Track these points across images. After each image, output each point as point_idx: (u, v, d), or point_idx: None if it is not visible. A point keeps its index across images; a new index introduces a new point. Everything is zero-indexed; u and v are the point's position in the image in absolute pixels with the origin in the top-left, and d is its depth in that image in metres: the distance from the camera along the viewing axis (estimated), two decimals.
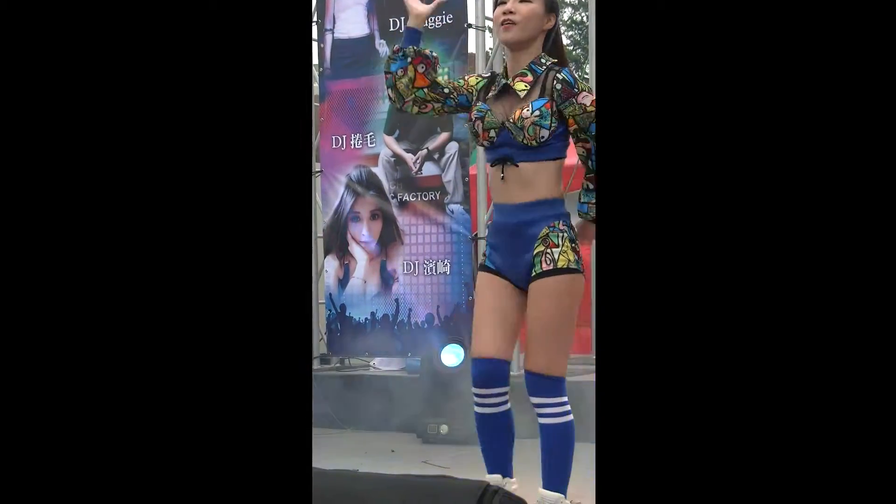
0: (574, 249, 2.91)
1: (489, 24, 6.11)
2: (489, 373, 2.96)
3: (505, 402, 3.02)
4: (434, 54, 3.04)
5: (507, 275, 2.96)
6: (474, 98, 3.03)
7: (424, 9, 2.98)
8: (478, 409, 3.02)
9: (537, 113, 2.88)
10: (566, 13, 23.36)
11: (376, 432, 5.40)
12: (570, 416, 2.94)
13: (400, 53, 2.98)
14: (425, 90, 3.01)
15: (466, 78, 3.13)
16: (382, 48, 5.99)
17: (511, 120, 2.89)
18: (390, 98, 3.06)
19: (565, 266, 2.88)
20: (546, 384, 2.89)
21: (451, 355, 5.31)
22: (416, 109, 3.05)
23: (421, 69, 2.99)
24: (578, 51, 21.72)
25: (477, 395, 3.00)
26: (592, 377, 5.61)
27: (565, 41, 22.92)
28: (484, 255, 3.06)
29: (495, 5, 3.01)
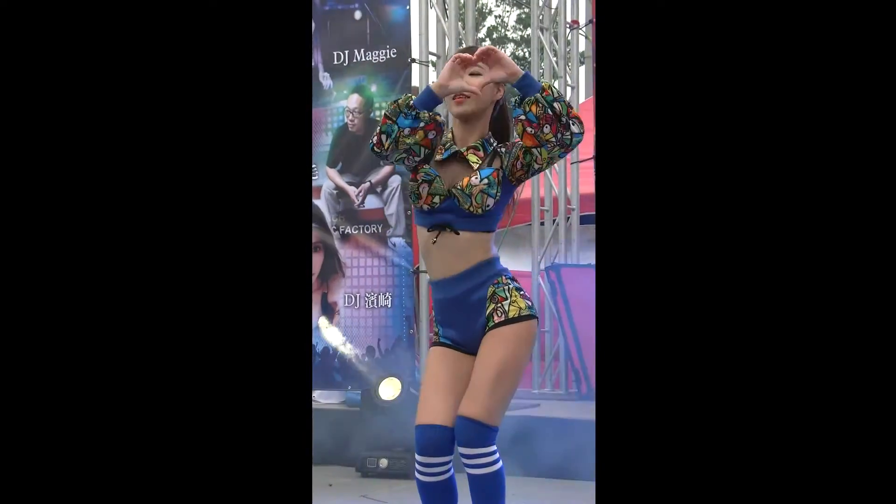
0: (523, 297, 2.91)
1: (432, 58, 6.16)
2: (433, 440, 2.88)
3: (448, 471, 2.95)
4: (443, 120, 2.93)
5: (464, 346, 2.94)
6: (428, 151, 2.97)
7: (454, 84, 2.86)
8: (419, 478, 2.95)
9: (486, 181, 2.87)
10: (509, 49, 23.55)
11: (314, 466, 5.34)
12: (500, 464, 2.88)
13: (413, 112, 2.86)
14: (420, 146, 2.94)
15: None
16: (326, 80, 5.99)
17: (459, 186, 2.88)
18: (379, 144, 2.89)
19: (517, 315, 2.88)
20: (481, 433, 2.83)
21: (389, 388, 5.29)
22: (400, 158, 2.96)
23: (431, 136, 2.90)
24: None
25: (420, 464, 2.93)
26: (534, 412, 5.63)
27: None
28: (436, 334, 3.00)
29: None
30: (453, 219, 2.88)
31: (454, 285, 2.90)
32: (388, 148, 2.89)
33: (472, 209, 2.86)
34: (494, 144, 2.98)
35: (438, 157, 2.95)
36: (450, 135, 3.00)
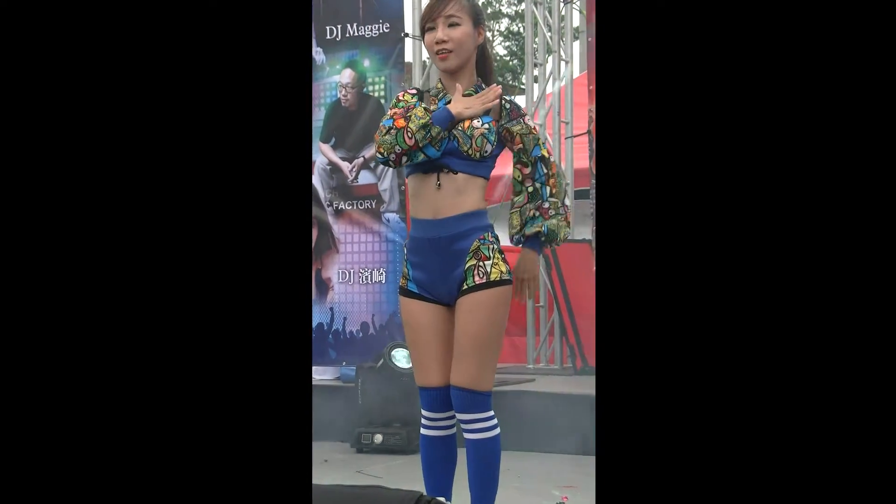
0: (504, 260, 2.90)
1: None
2: (440, 398, 2.94)
3: (453, 426, 3.00)
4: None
5: (434, 294, 2.92)
6: None
7: (476, 110, 2.89)
8: (426, 432, 2.99)
9: (486, 126, 2.88)
10: (503, 23, 23.49)
11: None
12: (498, 430, 2.92)
13: (443, 141, 2.87)
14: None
15: (402, 98, 3.02)
16: (319, 55, 5.96)
17: (460, 128, 2.87)
18: (397, 161, 2.88)
19: (498, 278, 2.86)
20: (475, 399, 2.86)
21: (405, 355, 5.26)
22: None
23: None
24: (515, 61, 21.86)
25: (427, 419, 2.98)
26: (529, 386, 5.64)
27: (502, 52, 23.13)
28: (404, 277, 2.98)
29: (423, 31, 2.99)
30: (451, 161, 2.86)
31: (441, 227, 2.88)
32: (404, 163, 2.91)
33: (470, 152, 2.85)
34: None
35: (434, 108, 2.93)
36: (439, 84, 3.00)
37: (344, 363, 5.91)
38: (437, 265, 2.89)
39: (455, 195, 2.87)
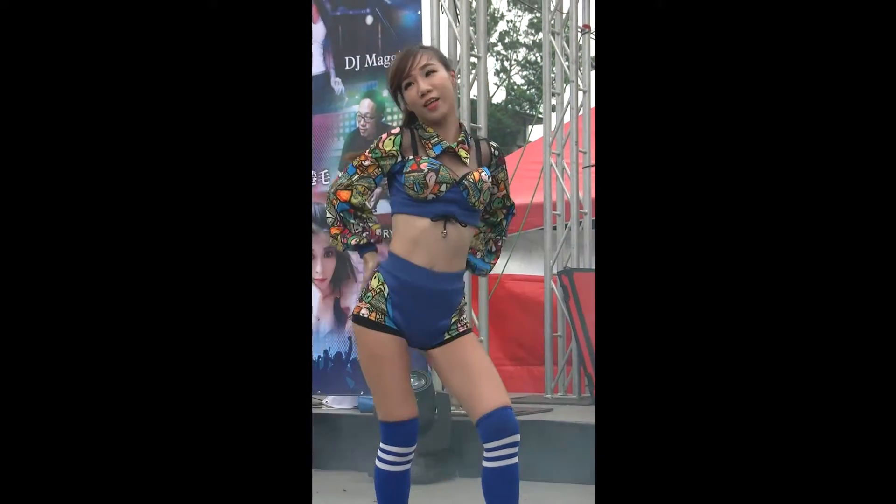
0: None
1: None
2: (411, 432, 2.97)
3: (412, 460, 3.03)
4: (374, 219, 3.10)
5: (409, 333, 2.95)
6: (401, 156, 2.91)
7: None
8: (388, 468, 2.99)
9: (490, 179, 2.92)
10: (521, 53, 23.59)
11: (327, 471, 5.36)
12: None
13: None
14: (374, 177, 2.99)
15: (380, 147, 2.93)
16: (338, 86, 6.00)
17: (471, 179, 2.88)
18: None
19: (471, 328, 3.02)
20: (514, 418, 2.89)
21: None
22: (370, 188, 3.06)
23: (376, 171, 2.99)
24: (533, 91, 21.93)
25: (396, 454, 2.98)
26: (546, 416, 5.62)
27: (519, 81, 23.16)
28: (379, 312, 2.94)
29: (398, 90, 2.96)
30: (457, 210, 2.88)
31: (441, 280, 2.91)
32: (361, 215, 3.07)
33: (477, 204, 2.89)
34: (472, 136, 3.02)
35: (431, 153, 2.90)
36: (430, 130, 2.93)
37: (361, 392, 5.91)
38: (424, 313, 2.92)
39: (456, 250, 2.92)
